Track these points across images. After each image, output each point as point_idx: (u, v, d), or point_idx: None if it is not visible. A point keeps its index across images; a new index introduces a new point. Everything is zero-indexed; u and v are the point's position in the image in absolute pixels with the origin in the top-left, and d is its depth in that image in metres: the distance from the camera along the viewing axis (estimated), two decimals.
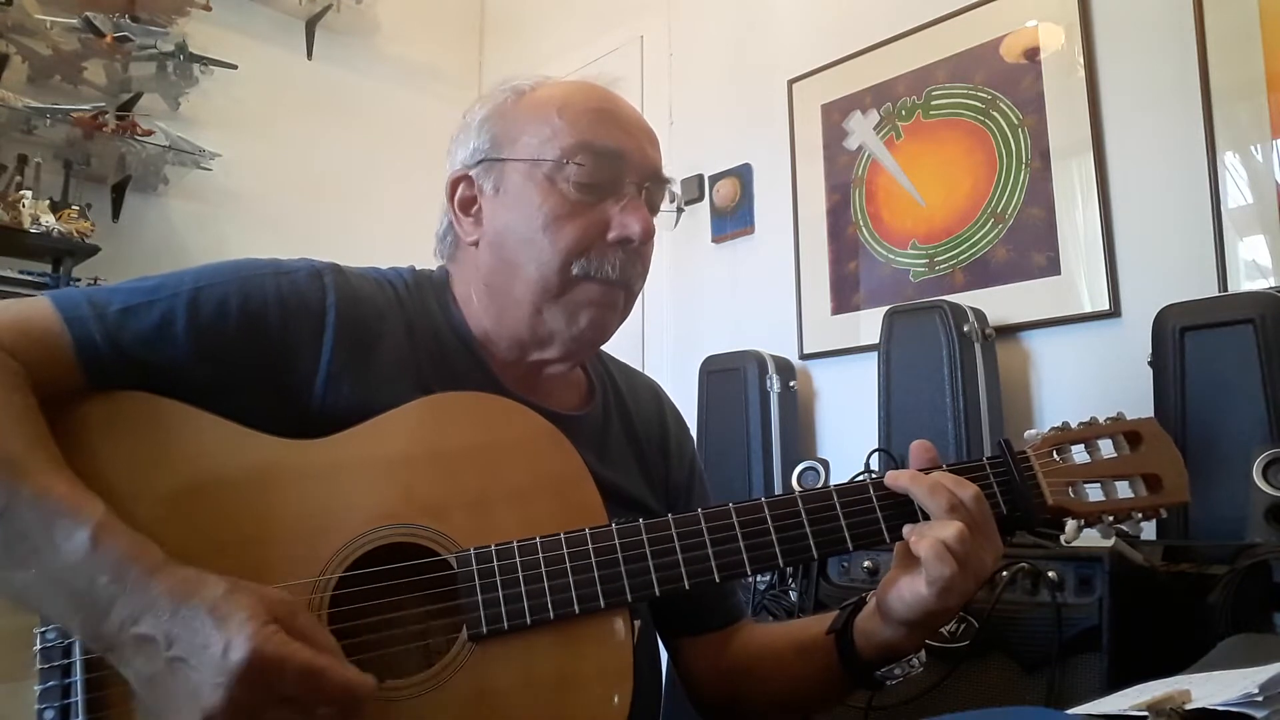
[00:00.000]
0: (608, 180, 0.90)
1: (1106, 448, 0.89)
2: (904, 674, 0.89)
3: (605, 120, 0.92)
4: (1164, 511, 0.88)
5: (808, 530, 0.83)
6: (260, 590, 0.66)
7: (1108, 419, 0.91)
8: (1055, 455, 0.88)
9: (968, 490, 0.82)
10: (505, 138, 0.93)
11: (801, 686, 0.97)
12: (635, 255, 0.92)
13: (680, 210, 1.01)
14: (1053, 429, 0.91)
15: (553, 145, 0.90)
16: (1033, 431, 0.90)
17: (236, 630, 0.62)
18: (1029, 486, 0.86)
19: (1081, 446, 0.89)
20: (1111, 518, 0.88)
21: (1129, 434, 0.90)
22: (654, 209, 0.95)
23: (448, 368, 0.90)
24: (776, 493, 2.21)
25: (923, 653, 0.89)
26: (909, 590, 0.82)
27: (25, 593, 0.69)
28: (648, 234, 0.91)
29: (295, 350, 0.83)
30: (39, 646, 0.69)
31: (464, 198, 0.95)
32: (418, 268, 1.00)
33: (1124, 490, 0.88)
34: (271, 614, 0.64)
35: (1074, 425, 0.91)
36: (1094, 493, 0.88)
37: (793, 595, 1.72)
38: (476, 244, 0.94)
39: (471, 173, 0.94)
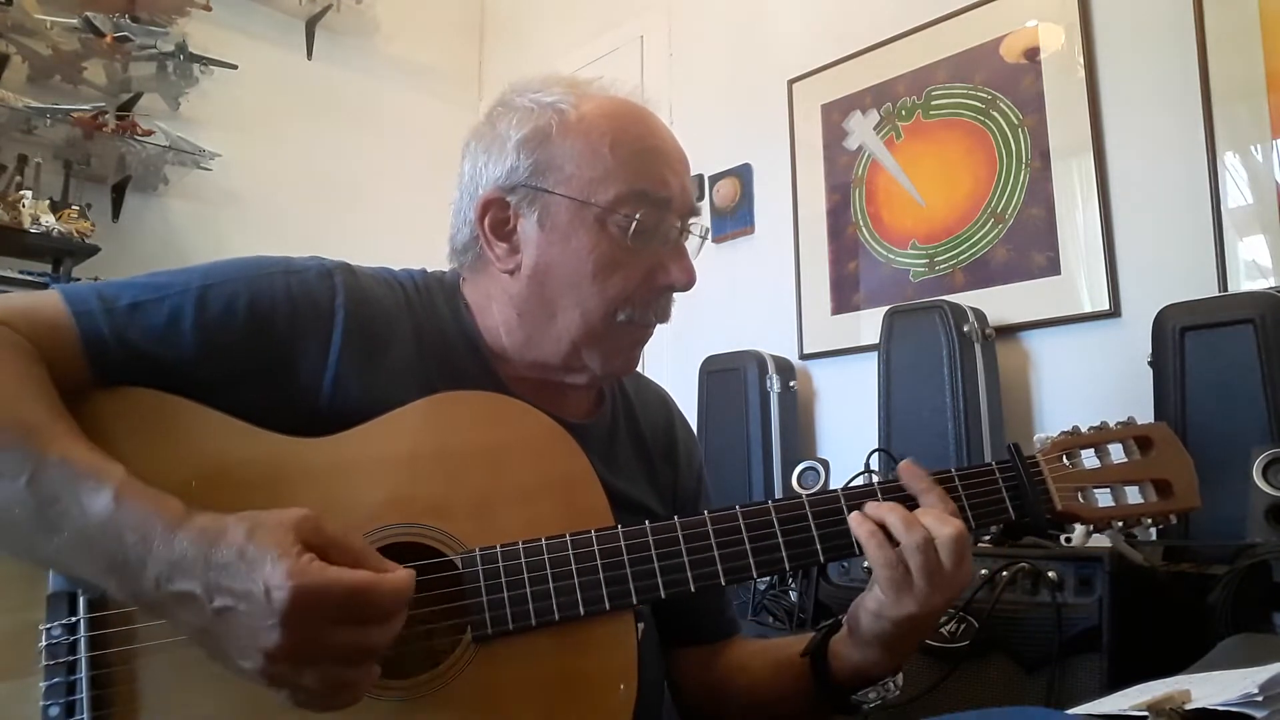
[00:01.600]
0: (655, 224, 0.89)
1: (1117, 452, 0.89)
2: (879, 697, 0.89)
3: (657, 161, 0.90)
4: (1174, 518, 0.87)
5: (815, 534, 0.83)
6: (280, 517, 0.66)
7: (1118, 423, 0.90)
8: (1065, 460, 0.88)
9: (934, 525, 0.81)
10: (549, 166, 0.89)
11: (778, 706, 0.97)
12: (672, 296, 0.94)
13: (704, 238, 0.99)
14: (1062, 433, 0.90)
15: (605, 188, 0.87)
16: (1042, 435, 0.90)
17: (272, 571, 0.62)
18: (1038, 492, 0.86)
19: (1091, 451, 0.88)
20: (1121, 523, 0.87)
21: (1140, 438, 0.89)
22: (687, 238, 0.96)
23: (456, 371, 0.90)
24: (776, 493, 2.23)
25: (899, 676, 0.89)
26: (870, 598, 0.83)
27: (60, 558, 0.69)
28: (691, 283, 0.91)
29: (303, 350, 0.83)
30: (44, 643, 0.69)
31: (496, 220, 0.91)
32: (429, 270, 0.99)
33: (1134, 495, 0.88)
34: (299, 538, 0.64)
35: (1084, 429, 0.90)
36: (1103, 498, 0.87)
37: (792, 595, 1.72)
38: (512, 272, 0.91)
39: (508, 198, 0.90)
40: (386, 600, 0.66)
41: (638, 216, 0.87)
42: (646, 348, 0.98)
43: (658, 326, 0.95)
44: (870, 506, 0.83)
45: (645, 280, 0.90)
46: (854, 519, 0.83)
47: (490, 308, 0.94)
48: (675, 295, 0.94)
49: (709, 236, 1.02)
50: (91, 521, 0.66)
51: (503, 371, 0.93)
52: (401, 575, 0.67)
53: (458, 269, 0.98)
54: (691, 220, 0.94)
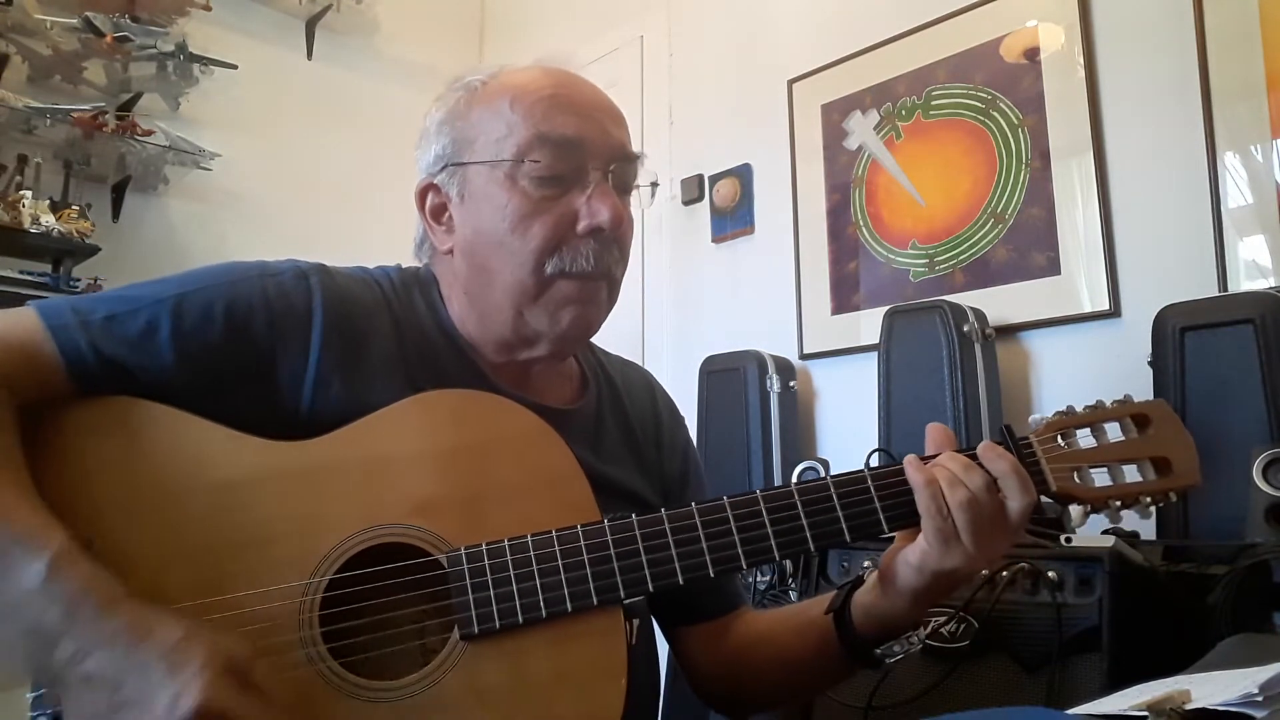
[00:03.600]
0: (569, 170, 0.88)
1: (1114, 431, 0.86)
2: (903, 651, 0.88)
3: (559, 107, 0.89)
4: (1174, 495, 0.85)
5: (804, 522, 0.82)
6: (217, 639, 0.64)
7: (1114, 402, 0.88)
8: (1060, 440, 0.86)
9: (975, 478, 0.80)
10: (464, 140, 0.91)
11: (800, 669, 0.97)
12: (610, 242, 0.90)
13: (655, 185, 0.98)
14: (1057, 413, 0.88)
15: (508, 143, 0.88)
16: (1036, 416, 0.88)
17: (189, 680, 0.61)
18: (1032, 473, 0.83)
19: (1087, 430, 0.86)
20: (1119, 503, 0.85)
21: (1137, 417, 0.87)
22: (625, 189, 0.93)
23: (437, 366, 0.90)
24: None
25: (922, 630, 0.89)
26: (913, 550, 0.82)
27: None
28: (617, 220, 0.88)
29: (282, 354, 0.82)
30: None
31: (434, 206, 0.94)
32: (404, 266, 0.99)
33: (1132, 474, 0.85)
34: (227, 665, 0.63)
35: (1079, 409, 0.88)
36: (1100, 477, 0.85)
37: (793, 595, 1.72)
38: (451, 252, 0.93)
39: (437, 180, 0.93)
40: None
41: (541, 160, 0.87)
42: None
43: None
44: (929, 461, 0.83)
45: (568, 226, 0.88)
46: (910, 464, 0.82)
47: (451, 297, 0.94)
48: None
49: (657, 183, 1.00)
50: (14, 591, 0.64)
51: (481, 362, 0.93)
52: None
53: (428, 266, 0.99)
54: (620, 165, 0.91)
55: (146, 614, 0.65)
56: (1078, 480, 0.85)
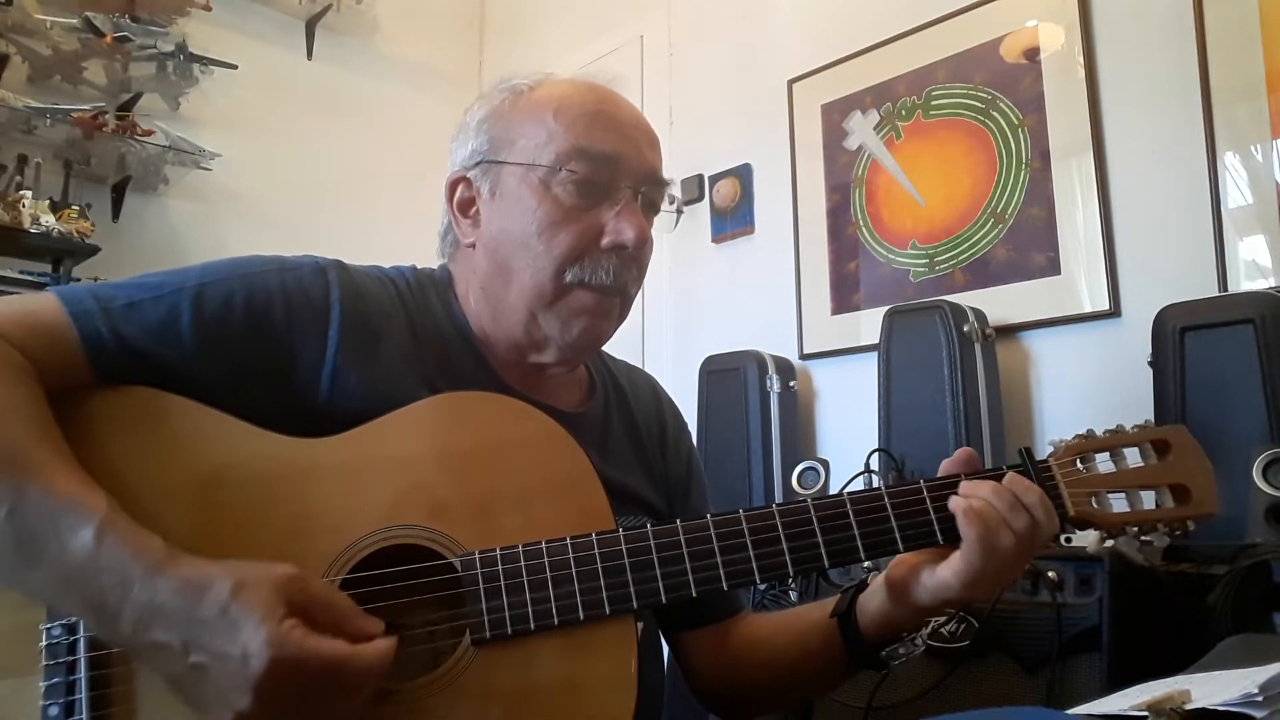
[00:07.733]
0: (602, 185, 0.90)
1: (1133, 456, 0.86)
2: (908, 653, 0.89)
3: (601, 123, 0.91)
4: (1191, 524, 0.85)
5: (820, 539, 0.82)
6: (267, 575, 0.65)
7: (1135, 426, 0.88)
8: (1079, 464, 0.86)
9: (1021, 520, 0.80)
10: (503, 140, 0.93)
11: (802, 672, 0.98)
12: (630, 260, 0.92)
13: (679, 212, 1.00)
14: (1077, 436, 0.88)
15: (547, 150, 0.90)
16: (1056, 439, 0.88)
17: (252, 635, 0.62)
18: (1051, 498, 0.83)
19: (1106, 455, 0.86)
20: (1136, 529, 0.85)
21: (1157, 442, 0.87)
22: (652, 210, 0.95)
23: (451, 365, 0.91)
24: (777, 493, 2.23)
25: (925, 630, 0.90)
26: (932, 580, 0.83)
27: (42, 593, 0.69)
28: (642, 240, 0.90)
29: (300, 346, 0.83)
30: (44, 643, 0.70)
31: (463, 199, 0.96)
32: (419, 267, 1.00)
33: (1149, 501, 0.85)
34: (284, 601, 0.64)
35: (1099, 432, 0.88)
36: (1118, 503, 0.85)
37: (793, 595, 1.72)
38: (474, 246, 0.94)
39: (469, 174, 0.95)
40: (361, 676, 0.66)
41: (578, 171, 0.88)
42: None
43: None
44: (970, 487, 0.82)
45: (593, 238, 0.90)
46: (958, 508, 0.81)
47: (468, 293, 0.96)
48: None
49: (679, 203, 1.02)
50: (71, 560, 0.65)
51: (494, 361, 0.94)
52: (379, 647, 0.67)
53: (445, 260, 1.01)
54: (650, 187, 0.93)
55: (193, 571, 0.65)
56: (1095, 506, 0.85)
